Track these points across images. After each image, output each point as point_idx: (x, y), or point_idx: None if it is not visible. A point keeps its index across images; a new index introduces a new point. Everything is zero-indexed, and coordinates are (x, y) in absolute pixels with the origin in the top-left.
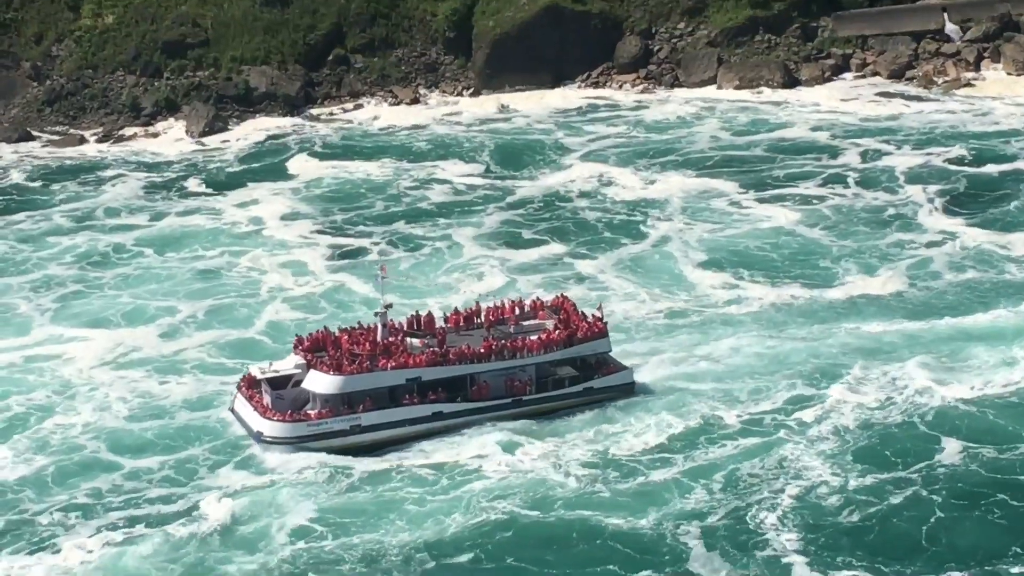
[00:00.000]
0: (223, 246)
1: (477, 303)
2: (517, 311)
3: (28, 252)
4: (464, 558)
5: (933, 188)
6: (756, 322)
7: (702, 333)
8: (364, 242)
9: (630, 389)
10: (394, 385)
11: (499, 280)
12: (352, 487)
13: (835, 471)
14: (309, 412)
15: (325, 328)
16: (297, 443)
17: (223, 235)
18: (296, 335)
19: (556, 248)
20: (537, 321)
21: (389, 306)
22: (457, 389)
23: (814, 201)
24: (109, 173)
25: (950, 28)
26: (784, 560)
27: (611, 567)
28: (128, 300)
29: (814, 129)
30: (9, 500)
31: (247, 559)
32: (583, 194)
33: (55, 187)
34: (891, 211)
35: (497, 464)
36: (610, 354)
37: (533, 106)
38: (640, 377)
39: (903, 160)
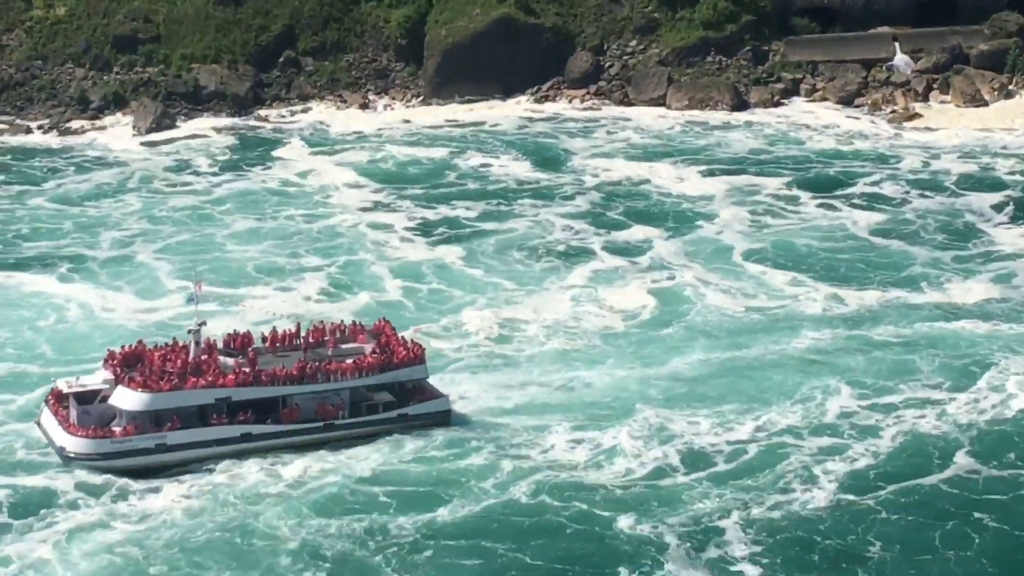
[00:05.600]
0: (307, 208)
1: (297, 324)
2: (337, 334)
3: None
4: None
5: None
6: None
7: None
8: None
9: (446, 417)
10: (203, 404)
11: (609, 262)
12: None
13: None
14: (114, 429)
15: (140, 342)
16: (100, 460)
17: (302, 198)
18: (108, 349)
19: (646, 232)
20: (356, 345)
21: (203, 323)
22: (268, 411)
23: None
24: (96, 154)
25: (899, 59)
26: None
27: None
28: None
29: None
30: None
31: None
32: (634, 186)
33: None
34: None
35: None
36: (427, 380)
37: (489, 117)
38: None
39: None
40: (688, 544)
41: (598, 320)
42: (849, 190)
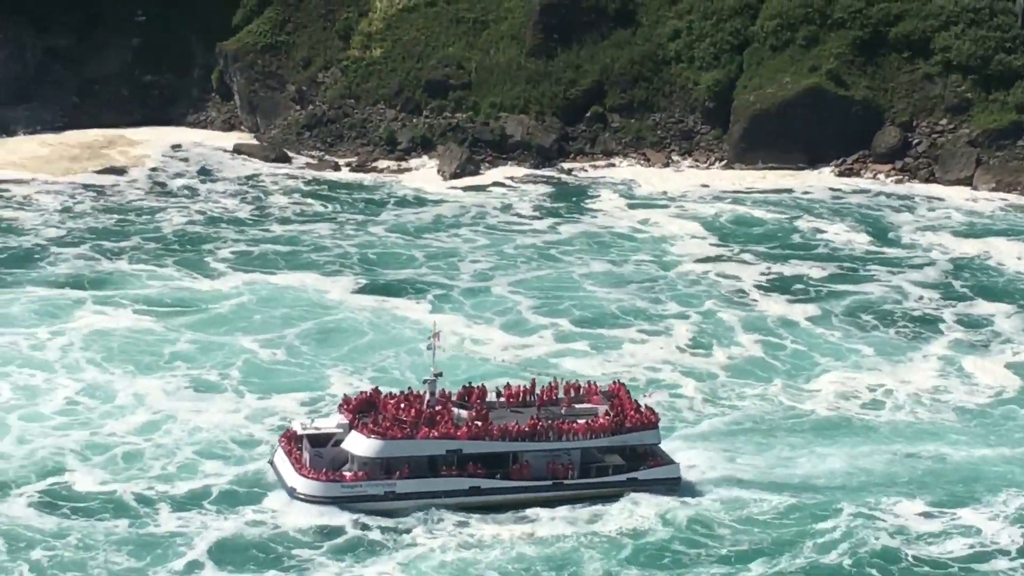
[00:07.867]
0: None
1: (532, 380)
2: (572, 393)
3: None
4: None
5: None
6: None
7: None
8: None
9: (675, 484)
10: (433, 455)
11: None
12: None
13: None
14: (345, 473)
15: (375, 389)
16: (329, 503)
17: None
18: (344, 395)
19: (996, 307)
20: (590, 405)
21: (439, 374)
22: (498, 465)
23: None
24: (408, 193)
25: None
26: None
27: None
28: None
29: None
30: None
31: None
32: (978, 262)
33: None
34: None
35: None
36: (659, 446)
37: (794, 186)
38: None
39: None
40: None
41: (958, 394)
42: None
